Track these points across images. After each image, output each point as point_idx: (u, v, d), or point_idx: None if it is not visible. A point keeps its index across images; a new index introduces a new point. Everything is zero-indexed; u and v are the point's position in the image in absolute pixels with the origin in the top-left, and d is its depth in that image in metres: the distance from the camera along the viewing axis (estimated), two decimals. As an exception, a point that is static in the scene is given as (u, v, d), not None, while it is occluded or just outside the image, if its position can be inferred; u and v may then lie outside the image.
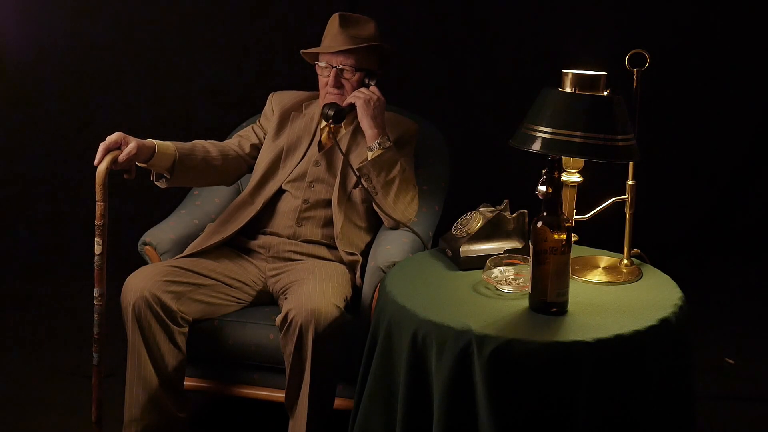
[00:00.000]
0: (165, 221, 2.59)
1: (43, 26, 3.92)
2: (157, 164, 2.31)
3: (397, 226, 2.44)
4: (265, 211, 2.50)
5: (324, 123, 2.54)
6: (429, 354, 1.73)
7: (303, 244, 2.46)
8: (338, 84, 2.47)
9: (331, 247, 2.46)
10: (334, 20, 2.48)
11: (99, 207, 2.11)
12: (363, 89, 2.45)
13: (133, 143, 2.19)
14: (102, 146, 2.17)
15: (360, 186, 2.45)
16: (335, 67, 2.46)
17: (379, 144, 2.39)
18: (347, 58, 2.45)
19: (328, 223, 2.47)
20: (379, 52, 2.52)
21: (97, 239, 2.12)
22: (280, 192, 2.51)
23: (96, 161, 2.15)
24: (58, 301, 3.52)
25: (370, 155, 2.39)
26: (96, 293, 2.14)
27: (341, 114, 2.46)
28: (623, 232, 2.10)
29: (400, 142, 2.51)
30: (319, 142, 2.55)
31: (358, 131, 2.51)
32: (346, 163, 2.47)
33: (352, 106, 2.46)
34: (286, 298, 2.27)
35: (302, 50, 2.53)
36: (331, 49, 2.45)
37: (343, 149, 2.48)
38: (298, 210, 2.47)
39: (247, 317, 2.36)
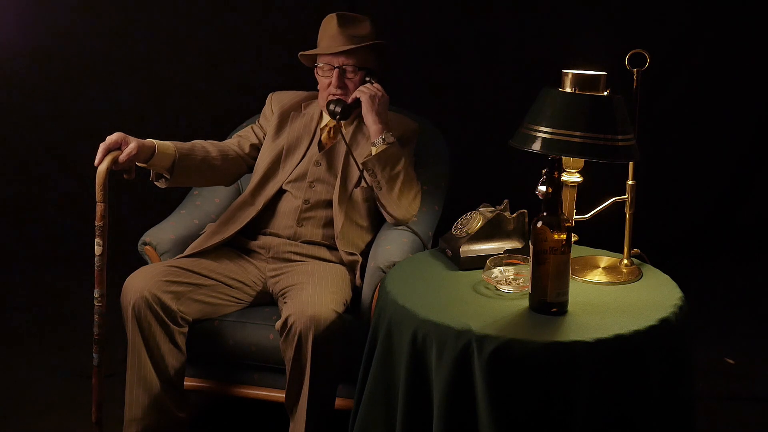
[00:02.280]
0: (165, 221, 2.59)
1: (44, 27, 3.92)
2: (157, 164, 2.31)
3: (399, 223, 2.44)
4: (266, 212, 2.50)
5: (324, 123, 2.54)
6: (429, 354, 1.73)
7: (303, 245, 2.45)
8: (342, 84, 2.47)
9: (332, 248, 2.46)
10: (331, 21, 2.47)
11: (99, 208, 2.11)
12: (367, 85, 2.46)
13: (133, 143, 2.19)
14: (102, 146, 2.17)
15: (362, 186, 2.45)
16: (337, 67, 2.46)
17: (384, 139, 2.39)
18: (348, 58, 2.45)
19: (329, 223, 2.47)
20: (378, 50, 2.52)
21: (97, 240, 2.12)
22: (280, 192, 2.51)
23: (96, 162, 2.15)
24: (59, 302, 3.52)
25: (374, 150, 2.39)
26: (96, 294, 2.14)
27: (348, 110, 2.45)
28: (623, 232, 2.10)
29: (400, 142, 2.50)
30: (320, 141, 2.54)
31: (358, 131, 2.51)
32: (347, 163, 2.47)
33: (358, 102, 2.46)
34: (285, 303, 2.27)
35: (302, 53, 2.53)
36: (334, 50, 2.44)
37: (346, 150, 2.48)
38: (298, 210, 2.47)
39: (247, 318, 2.36)
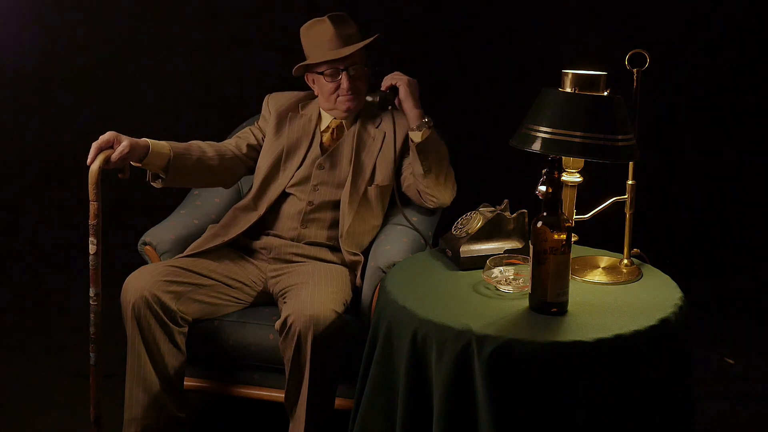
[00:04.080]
0: (165, 221, 2.58)
1: (43, 26, 3.92)
2: (152, 164, 2.29)
3: (440, 206, 2.50)
4: (269, 214, 2.49)
5: (325, 125, 2.53)
6: (429, 354, 1.73)
7: (305, 246, 2.45)
8: (354, 85, 2.46)
9: (334, 249, 2.46)
10: (320, 25, 2.44)
11: (92, 207, 2.10)
12: (397, 72, 2.45)
13: (125, 142, 2.18)
14: (94, 146, 2.16)
15: (375, 184, 2.46)
16: (344, 69, 2.44)
17: (426, 122, 2.39)
18: (354, 58, 2.44)
19: (334, 224, 2.47)
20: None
21: (91, 239, 2.11)
22: (283, 195, 2.50)
23: (88, 161, 2.13)
24: (58, 302, 3.52)
25: (419, 135, 2.38)
26: (91, 293, 2.13)
27: (389, 97, 2.44)
28: (623, 232, 2.09)
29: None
30: (321, 143, 2.53)
31: (363, 131, 2.51)
32: (358, 162, 2.47)
33: (393, 89, 2.44)
34: (285, 302, 2.27)
35: (306, 62, 2.48)
36: (345, 53, 2.40)
37: (352, 150, 2.47)
38: (303, 212, 2.46)
39: (247, 318, 2.36)
